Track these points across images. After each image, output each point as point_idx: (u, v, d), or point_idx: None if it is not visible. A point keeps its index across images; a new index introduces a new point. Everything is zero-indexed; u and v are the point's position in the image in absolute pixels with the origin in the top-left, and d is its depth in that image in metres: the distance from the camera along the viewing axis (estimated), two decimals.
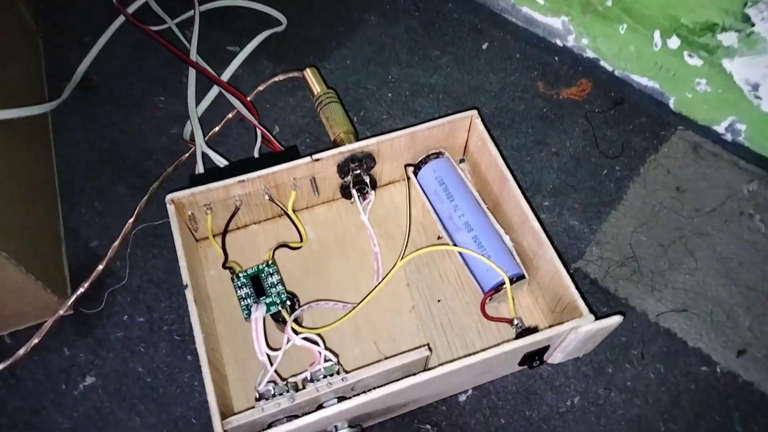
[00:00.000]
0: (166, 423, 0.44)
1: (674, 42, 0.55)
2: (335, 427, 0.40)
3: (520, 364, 0.45)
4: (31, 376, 0.46)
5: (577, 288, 0.43)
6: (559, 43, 0.64)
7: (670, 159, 0.57)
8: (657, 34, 0.56)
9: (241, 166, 0.50)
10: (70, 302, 0.48)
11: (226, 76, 0.62)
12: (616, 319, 0.41)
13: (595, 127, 0.59)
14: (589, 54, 0.62)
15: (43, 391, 0.46)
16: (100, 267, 0.49)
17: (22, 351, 0.46)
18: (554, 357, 0.46)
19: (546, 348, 0.43)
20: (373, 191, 0.51)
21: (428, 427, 0.44)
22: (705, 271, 0.51)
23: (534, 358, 0.43)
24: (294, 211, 0.51)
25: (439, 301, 0.49)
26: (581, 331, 0.41)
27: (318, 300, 0.47)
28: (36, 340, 0.47)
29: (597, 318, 0.41)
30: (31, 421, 0.44)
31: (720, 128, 0.58)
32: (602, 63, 0.62)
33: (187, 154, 0.56)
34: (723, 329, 0.48)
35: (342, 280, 0.50)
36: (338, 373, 0.40)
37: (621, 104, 0.61)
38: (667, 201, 0.55)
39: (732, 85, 0.54)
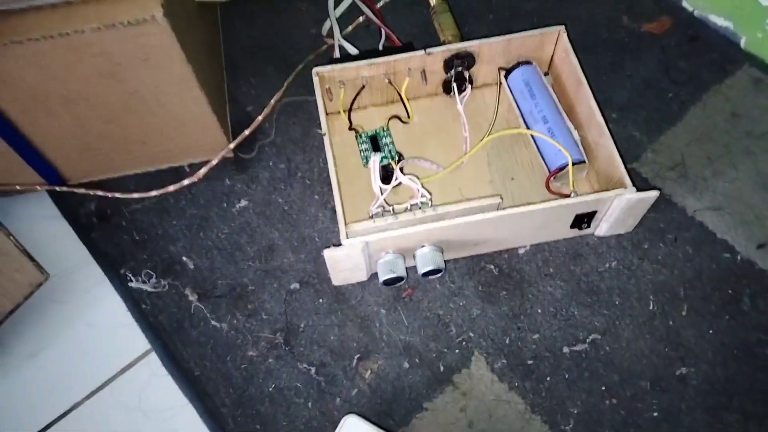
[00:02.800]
0: (296, 238, 0.60)
1: None
2: (423, 245, 0.54)
3: (572, 227, 0.56)
4: (203, 194, 0.63)
5: (626, 168, 0.53)
6: None
7: (732, 89, 0.65)
8: None
9: (368, 54, 0.64)
10: (233, 145, 0.63)
11: None
12: (653, 193, 0.52)
13: (669, 58, 0.68)
14: None
15: (210, 206, 0.62)
16: (260, 118, 0.65)
17: (202, 171, 0.62)
18: (601, 228, 0.57)
19: (594, 213, 0.55)
20: (470, 86, 0.63)
21: (492, 266, 0.57)
22: (744, 181, 0.60)
23: (583, 220, 0.55)
24: (406, 97, 0.64)
25: (512, 179, 0.61)
26: (624, 199, 0.52)
27: (420, 157, 0.60)
28: (205, 170, 0.63)
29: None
30: (201, 225, 0.61)
31: None
32: (684, 3, 0.70)
33: (325, 47, 0.70)
34: (750, 227, 0.57)
35: (437, 155, 0.63)
36: (431, 206, 0.53)
37: (695, 40, 0.69)
38: (721, 123, 0.63)
39: None
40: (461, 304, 0.56)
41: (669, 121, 0.64)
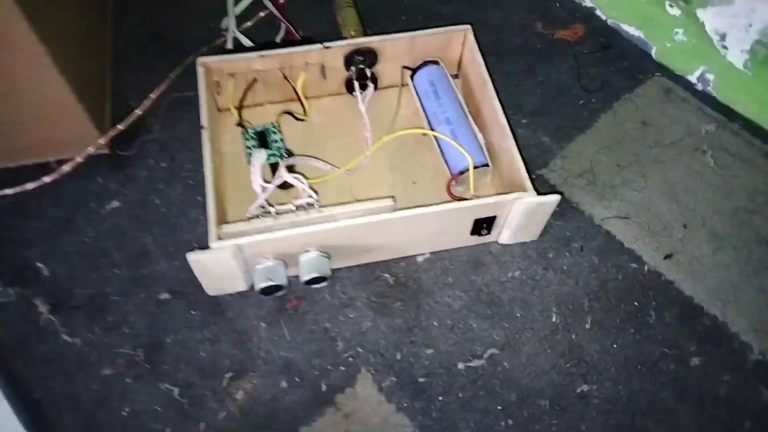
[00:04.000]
0: (172, 243, 0.54)
1: None
2: (308, 250, 0.48)
3: (472, 233, 0.52)
4: (69, 194, 0.56)
5: (528, 172, 0.50)
6: None
7: (642, 98, 0.63)
8: None
9: (263, 47, 0.59)
10: (103, 140, 0.57)
11: None
12: (554, 197, 0.49)
13: (581, 66, 0.66)
14: (587, 3, 0.69)
15: (76, 207, 0.55)
16: (138, 112, 0.59)
17: (66, 168, 0.55)
18: (503, 235, 0.53)
19: (494, 218, 0.51)
20: (372, 85, 0.60)
21: (387, 275, 0.53)
22: (653, 190, 0.58)
23: (482, 226, 0.51)
24: (305, 97, 0.59)
25: (414, 183, 0.57)
26: (523, 203, 0.49)
27: (311, 156, 0.55)
28: (69, 167, 0.56)
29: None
30: (64, 227, 0.54)
31: (692, 77, 0.64)
32: (597, 12, 0.69)
33: (222, 39, 0.65)
34: (657, 237, 0.55)
35: (336, 156, 0.58)
36: (317, 207, 0.48)
37: (608, 48, 0.67)
38: (631, 131, 0.61)
39: (704, 36, 0.60)
40: (351, 316, 0.51)
41: (579, 128, 0.62)
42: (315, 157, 0.55)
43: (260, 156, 0.50)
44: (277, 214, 0.48)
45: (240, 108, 0.58)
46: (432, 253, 0.54)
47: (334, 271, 0.52)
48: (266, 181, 0.50)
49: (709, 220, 0.56)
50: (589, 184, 0.58)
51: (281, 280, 0.47)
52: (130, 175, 0.57)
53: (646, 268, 0.54)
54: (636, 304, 0.52)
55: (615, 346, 0.50)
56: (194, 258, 0.45)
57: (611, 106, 0.63)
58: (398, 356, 0.49)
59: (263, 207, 0.49)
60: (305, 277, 0.48)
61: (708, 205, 0.57)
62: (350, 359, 0.49)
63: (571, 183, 0.58)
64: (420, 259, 0.54)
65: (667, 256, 0.54)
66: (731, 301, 0.52)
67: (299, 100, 0.58)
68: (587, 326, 0.51)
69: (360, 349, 0.49)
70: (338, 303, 0.51)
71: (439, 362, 0.49)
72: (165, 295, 0.51)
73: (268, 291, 0.48)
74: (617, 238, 0.55)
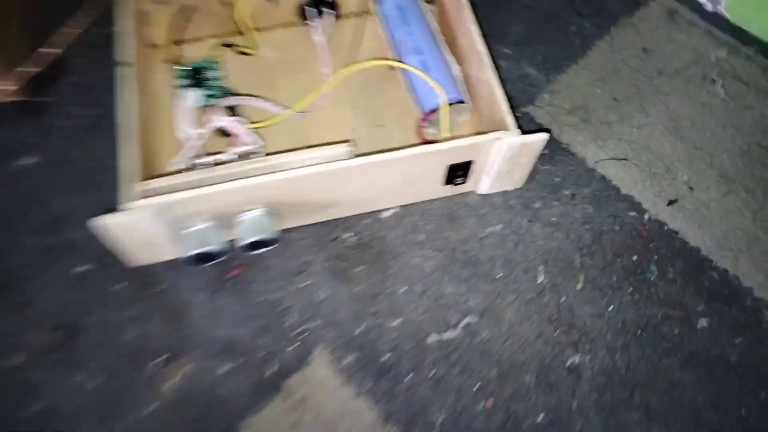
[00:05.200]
0: (95, 205, 0.44)
1: None
2: (251, 208, 0.41)
3: (446, 183, 0.45)
4: None
5: (512, 109, 0.42)
6: None
7: (644, 21, 0.55)
8: None
9: None
10: (18, 83, 0.48)
11: None
12: (541, 136, 0.41)
13: None
14: None
15: None
16: (55, 51, 0.50)
17: None
18: (482, 183, 0.46)
19: (470, 163, 0.43)
20: (333, 12, 0.51)
21: (348, 235, 0.45)
22: (654, 126, 0.50)
23: (457, 173, 0.43)
24: (253, 28, 0.50)
25: (381, 126, 0.49)
26: (504, 144, 0.41)
27: (257, 96, 0.47)
28: None
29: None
30: None
31: None
32: None
33: None
34: (659, 180, 0.48)
35: (289, 96, 0.50)
36: (261, 156, 0.41)
37: None
38: (631, 60, 0.53)
39: None
40: (304, 284, 0.44)
41: (571, 57, 0.54)
42: (261, 98, 0.47)
43: (188, 97, 0.42)
44: (215, 164, 0.40)
45: (175, 43, 0.49)
46: (399, 207, 0.46)
47: (283, 231, 0.45)
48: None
49: (718, 158, 0.48)
50: (582, 121, 0.50)
51: (217, 246, 0.40)
52: (46, 125, 0.48)
53: (646, 216, 0.46)
54: (635, 258, 0.45)
55: (610, 308, 0.43)
56: (98, 223, 0.37)
57: (608, 32, 0.54)
58: (360, 329, 0.42)
59: (194, 158, 0.41)
60: (246, 241, 0.40)
61: (717, 142, 0.49)
62: (303, 335, 0.42)
63: (561, 121, 0.50)
64: (385, 214, 0.46)
65: (671, 202, 0.47)
66: (743, 251, 0.45)
67: (243, 29, 0.49)
68: (579, 286, 0.44)
69: (314, 323, 0.42)
70: (289, 269, 0.44)
71: (408, 335, 0.42)
72: (84, 267, 0.43)
73: (201, 259, 0.40)
74: (613, 183, 0.48)
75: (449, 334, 0.42)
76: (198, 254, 0.40)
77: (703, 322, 0.43)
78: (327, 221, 0.46)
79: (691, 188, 0.47)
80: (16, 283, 0.42)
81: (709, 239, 0.45)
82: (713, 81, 0.52)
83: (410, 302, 0.43)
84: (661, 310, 0.43)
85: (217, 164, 0.40)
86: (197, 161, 0.40)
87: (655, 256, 0.45)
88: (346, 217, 0.46)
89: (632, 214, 0.46)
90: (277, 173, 0.39)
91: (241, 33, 0.50)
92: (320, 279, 0.44)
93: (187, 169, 0.40)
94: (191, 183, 0.39)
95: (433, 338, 0.42)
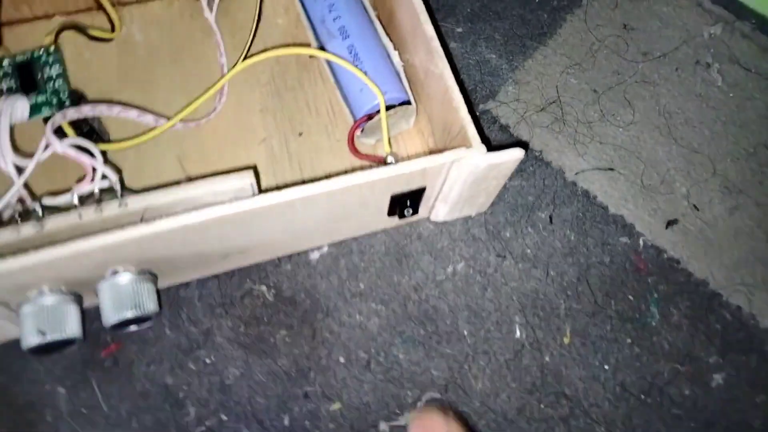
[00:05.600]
0: None
1: None
2: (115, 269, 0.29)
3: (389, 214, 0.34)
4: None
5: (473, 116, 0.32)
6: None
7: None
8: None
9: None
10: None
11: None
12: (515, 153, 0.30)
13: None
14: None
15: None
16: None
17: None
18: (437, 211, 0.35)
19: (422, 191, 0.33)
20: None
21: (263, 288, 0.34)
22: (643, 125, 0.41)
23: (405, 203, 0.33)
24: (116, 2, 0.37)
25: (300, 134, 0.37)
26: (468, 166, 0.30)
27: (119, 103, 0.34)
28: None
29: (491, 150, 0.30)
30: None
31: None
32: None
33: None
34: (654, 195, 0.39)
35: (172, 96, 0.37)
36: (119, 195, 0.28)
37: None
38: (609, 40, 0.43)
39: None
40: (207, 361, 0.32)
41: (537, 37, 0.43)
42: (125, 104, 0.34)
43: (12, 107, 0.29)
44: (44, 212, 0.27)
45: None
46: (332, 245, 0.35)
47: (172, 289, 0.33)
48: (28, 155, 0.29)
49: (720, 164, 0.40)
50: (557, 120, 0.40)
51: (67, 331, 0.28)
52: None
53: (641, 242, 0.38)
54: (631, 298, 0.36)
55: (606, 367, 0.34)
56: None
57: (579, 4, 0.44)
58: (286, 421, 0.31)
59: (22, 201, 0.28)
60: (110, 321, 0.28)
61: (718, 144, 0.40)
62: None
63: (530, 121, 0.40)
64: (314, 256, 0.35)
65: (670, 223, 0.38)
66: (759, 283, 0.36)
67: (103, 7, 0.36)
68: (566, 340, 0.34)
69: (224, 417, 0.31)
70: (185, 342, 0.32)
71: (351, 424, 0.31)
72: None
73: (46, 349, 0.28)
74: (599, 200, 0.38)
75: (405, 420, 0.32)
76: (39, 345, 0.27)
77: (718, 379, 0.34)
78: (233, 270, 0.34)
79: (693, 206, 0.38)
80: None
81: (717, 269, 0.37)
82: (708, 65, 0.43)
83: (352, 377, 0.32)
84: (667, 366, 0.34)
85: (49, 211, 0.28)
86: (30, 206, 0.28)
87: (655, 295, 0.36)
88: (260, 262, 0.35)
89: (624, 240, 0.37)
90: (143, 226, 0.27)
91: (98, 8, 0.36)
92: (228, 353, 0.32)
93: (11, 221, 0.27)
94: (16, 243, 0.27)
95: (383, 427, 0.32)
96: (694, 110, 0.41)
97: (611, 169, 0.39)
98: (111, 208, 0.28)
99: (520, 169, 0.38)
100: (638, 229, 0.37)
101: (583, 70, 0.42)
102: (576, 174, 0.39)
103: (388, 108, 0.34)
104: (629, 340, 0.34)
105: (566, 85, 0.41)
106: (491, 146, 0.31)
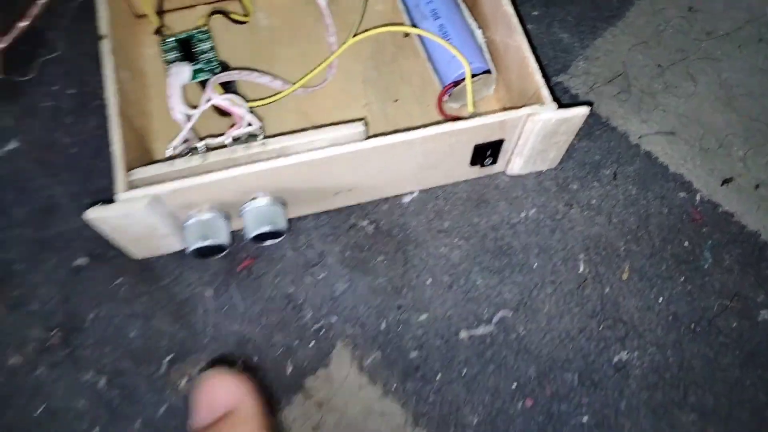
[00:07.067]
0: (87, 193, 0.41)
1: None
2: (254, 196, 0.37)
3: (472, 164, 0.40)
4: None
5: (548, 80, 0.37)
6: None
7: None
8: None
9: None
10: None
11: None
12: (581, 110, 0.36)
13: None
14: None
15: None
16: (22, 24, 0.45)
17: None
18: (513, 164, 0.42)
19: (500, 143, 0.39)
20: None
21: (365, 223, 0.41)
22: (704, 96, 0.45)
23: (486, 153, 0.39)
24: None
25: (396, 101, 0.44)
26: (540, 120, 0.36)
27: (255, 70, 0.42)
28: None
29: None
30: None
31: None
32: None
33: None
34: (711, 157, 0.43)
35: (289, 69, 0.45)
36: (260, 138, 0.36)
37: None
38: (675, 20, 0.48)
39: None
40: (321, 277, 0.40)
41: (607, 19, 0.48)
42: (260, 71, 0.42)
43: (179, 73, 0.38)
44: (207, 149, 0.36)
45: (161, 12, 0.44)
46: (421, 191, 0.42)
47: (294, 221, 0.41)
48: (192, 107, 0.38)
49: None
50: (623, 91, 0.45)
51: (221, 239, 0.36)
52: (28, 106, 0.44)
53: (698, 197, 0.42)
54: (686, 244, 0.40)
55: (660, 300, 0.39)
56: (93, 216, 0.33)
57: None
58: (383, 325, 0.38)
59: (188, 141, 0.37)
60: (251, 233, 0.36)
61: None
62: (322, 332, 0.38)
63: (599, 91, 0.45)
64: (406, 199, 0.42)
65: (725, 181, 0.42)
66: None
67: None
68: (624, 276, 0.40)
69: (334, 319, 0.38)
70: (303, 261, 0.40)
71: (436, 331, 0.38)
72: (82, 260, 0.40)
73: (204, 253, 0.36)
74: (660, 160, 0.43)
75: (482, 330, 0.38)
76: (200, 248, 0.36)
77: (764, 315, 0.38)
78: (342, 208, 0.42)
79: (747, 165, 0.42)
80: (11, 278, 0.39)
81: None
82: None
83: (437, 295, 0.39)
84: (717, 302, 0.39)
85: (210, 149, 0.36)
86: (196, 145, 0.36)
87: (709, 242, 0.40)
88: (363, 203, 0.42)
89: (682, 195, 0.42)
90: (280, 159, 0.35)
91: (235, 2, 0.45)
92: (337, 271, 0.40)
93: (182, 155, 0.36)
94: (184, 171, 0.35)
95: (464, 334, 0.38)
96: (755, 84, 0.45)
97: (672, 134, 0.43)
98: (255, 147, 0.36)
99: (588, 133, 0.44)
100: (696, 186, 0.42)
101: (649, 48, 0.47)
102: (639, 137, 0.44)
103: (472, 76, 0.40)
104: (682, 279, 0.39)
105: (632, 61, 0.46)
106: (563, 106, 0.37)
